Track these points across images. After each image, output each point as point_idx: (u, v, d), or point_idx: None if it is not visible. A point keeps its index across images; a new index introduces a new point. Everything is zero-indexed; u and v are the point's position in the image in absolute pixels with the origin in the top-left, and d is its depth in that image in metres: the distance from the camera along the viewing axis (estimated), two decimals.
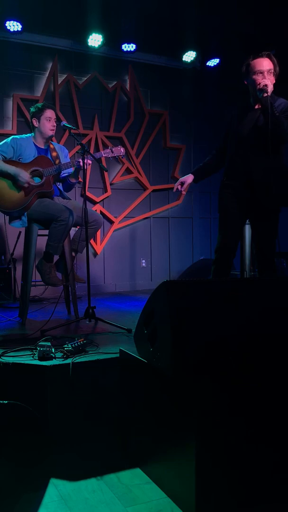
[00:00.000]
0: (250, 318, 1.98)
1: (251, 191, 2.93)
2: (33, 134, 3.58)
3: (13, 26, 4.78)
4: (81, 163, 3.19)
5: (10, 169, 3.32)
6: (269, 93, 2.76)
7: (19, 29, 4.81)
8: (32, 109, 3.58)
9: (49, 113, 3.51)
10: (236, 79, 3.40)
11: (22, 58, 5.11)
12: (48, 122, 3.50)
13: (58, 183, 3.64)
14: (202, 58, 5.79)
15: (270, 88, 2.78)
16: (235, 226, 3.05)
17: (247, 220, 3.21)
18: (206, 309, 1.91)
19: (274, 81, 2.89)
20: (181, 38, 5.33)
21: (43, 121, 3.50)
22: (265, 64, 2.83)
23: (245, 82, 2.94)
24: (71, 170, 3.55)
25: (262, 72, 2.83)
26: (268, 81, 2.80)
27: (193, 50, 5.63)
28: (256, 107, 2.94)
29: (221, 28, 4.97)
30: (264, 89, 2.76)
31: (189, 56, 5.68)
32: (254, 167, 2.91)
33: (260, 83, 2.80)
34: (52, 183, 3.44)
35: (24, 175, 3.31)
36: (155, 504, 1.83)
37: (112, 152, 3.49)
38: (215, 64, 5.80)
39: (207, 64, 5.81)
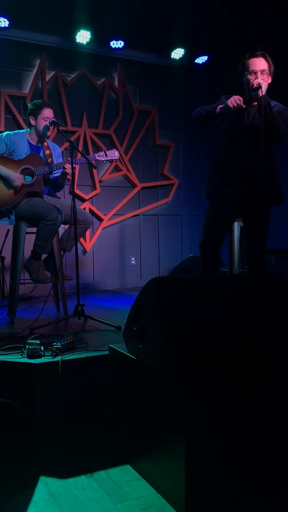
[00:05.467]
0: (239, 314, 1.99)
1: (249, 189, 2.91)
2: (28, 130, 3.54)
3: (0, 22, 4.74)
4: (67, 169, 3.17)
5: (2, 170, 3.30)
6: (263, 92, 2.76)
7: (6, 25, 4.77)
8: (30, 106, 3.51)
9: (47, 113, 3.45)
10: (225, 77, 3.40)
11: (10, 54, 5.06)
12: (46, 122, 3.44)
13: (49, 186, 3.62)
14: (190, 55, 5.79)
15: (264, 87, 2.78)
16: (224, 223, 3.05)
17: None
18: (195, 306, 1.92)
19: (269, 81, 2.88)
20: (170, 35, 5.32)
21: (40, 121, 3.44)
22: (258, 64, 2.83)
23: (241, 81, 2.94)
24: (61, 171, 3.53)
25: (255, 72, 2.82)
26: (261, 80, 2.80)
27: (182, 48, 5.64)
28: (254, 104, 2.93)
29: (209, 25, 4.97)
30: (258, 88, 2.75)
31: (177, 53, 5.69)
32: (252, 166, 2.89)
33: (253, 83, 2.80)
34: (42, 182, 3.41)
35: (17, 179, 3.29)
36: (145, 500, 1.83)
37: (106, 155, 3.46)
38: (204, 61, 5.81)
39: (196, 61, 5.82)
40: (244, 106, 2.79)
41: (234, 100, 2.74)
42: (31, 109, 3.49)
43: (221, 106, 2.84)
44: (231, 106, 2.74)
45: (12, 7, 4.61)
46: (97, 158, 3.45)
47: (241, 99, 2.77)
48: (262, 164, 2.86)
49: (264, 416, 1.84)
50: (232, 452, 1.77)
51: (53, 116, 3.49)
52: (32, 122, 3.48)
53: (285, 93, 3.35)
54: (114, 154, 3.49)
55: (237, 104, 2.74)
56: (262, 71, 2.83)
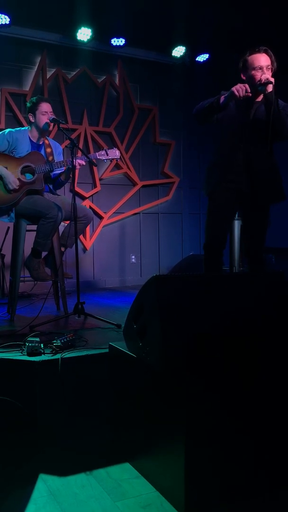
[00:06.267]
0: (240, 313, 1.99)
1: (251, 185, 2.89)
2: (29, 128, 3.55)
3: (1, 19, 4.73)
4: (74, 163, 3.14)
5: (1, 170, 3.29)
6: (271, 88, 2.72)
7: (7, 22, 4.76)
8: (27, 104, 3.54)
9: (45, 107, 3.47)
10: (226, 75, 3.39)
11: (10, 52, 5.06)
12: (44, 116, 3.45)
13: (49, 184, 3.61)
14: (191, 53, 5.78)
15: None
16: (226, 220, 3.04)
17: (236, 215, 3.21)
18: (195, 304, 1.92)
19: None
20: (171, 33, 5.31)
21: (39, 116, 3.45)
22: (263, 59, 2.79)
23: (243, 77, 2.88)
24: (63, 169, 3.52)
25: (261, 68, 2.78)
26: (268, 75, 2.75)
27: (183, 45, 5.62)
28: (257, 100, 2.90)
29: (210, 23, 4.96)
30: (267, 83, 2.71)
31: (178, 51, 5.67)
32: (255, 162, 2.86)
33: (261, 78, 2.75)
34: (43, 180, 3.41)
35: (13, 181, 3.28)
36: (145, 498, 1.83)
37: (107, 154, 3.45)
38: (205, 59, 5.79)
39: (197, 59, 5.81)
40: (250, 94, 2.75)
41: (240, 87, 2.68)
42: (29, 107, 3.51)
43: (225, 94, 2.77)
44: (237, 94, 2.68)
45: (13, 4, 4.59)
46: (98, 157, 3.45)
47: (247, 86, 2.71)
48: (265, 160, 2.86)
49: (264, 415, 1.84)
50: (232, 451, 1.77)
51: (51, 110, 3.49)
52: (31, 119, 3.49)
53: (285, 93, 3.34)
54: (115, 153, 3.49)
55: (242, 90, 2.67)
56: (267, 67, 2.79)
